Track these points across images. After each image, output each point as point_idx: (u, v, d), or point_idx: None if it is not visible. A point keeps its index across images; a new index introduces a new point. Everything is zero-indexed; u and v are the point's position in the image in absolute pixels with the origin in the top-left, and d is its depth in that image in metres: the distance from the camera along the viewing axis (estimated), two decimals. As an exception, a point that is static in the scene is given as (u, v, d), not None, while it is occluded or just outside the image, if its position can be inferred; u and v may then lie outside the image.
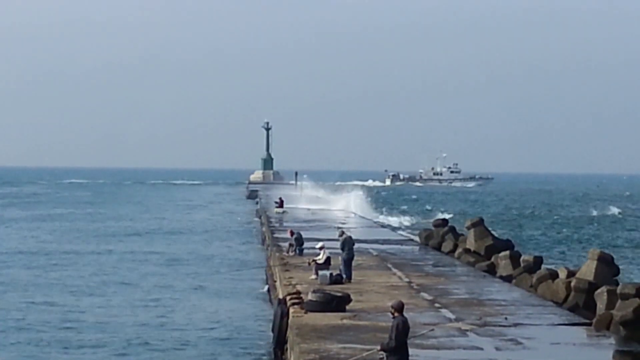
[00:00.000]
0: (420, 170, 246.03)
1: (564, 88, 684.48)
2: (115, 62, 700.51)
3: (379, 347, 19.03)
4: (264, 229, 69.20)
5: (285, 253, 44.23)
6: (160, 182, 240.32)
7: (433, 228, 57.12)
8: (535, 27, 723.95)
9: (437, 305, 29.56)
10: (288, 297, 29.28)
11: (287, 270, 37.83)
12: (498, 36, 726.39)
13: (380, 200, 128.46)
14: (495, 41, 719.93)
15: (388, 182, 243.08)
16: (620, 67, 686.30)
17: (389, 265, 40.50)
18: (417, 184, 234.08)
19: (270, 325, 27.99)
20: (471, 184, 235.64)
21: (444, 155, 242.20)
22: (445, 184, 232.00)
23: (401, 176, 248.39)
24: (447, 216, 79.01)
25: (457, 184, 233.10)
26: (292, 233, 45.78)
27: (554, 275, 35.16)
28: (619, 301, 27.21)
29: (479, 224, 48.93)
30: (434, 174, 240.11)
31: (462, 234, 52.74)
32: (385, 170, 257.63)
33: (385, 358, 18.75)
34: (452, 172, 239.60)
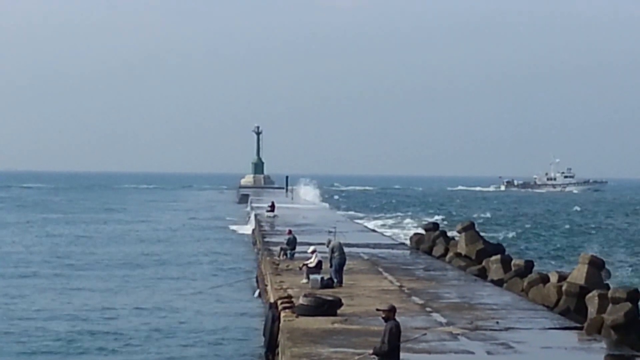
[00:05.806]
0: (535, 176, 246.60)
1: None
2: (104, 66, 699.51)
3: (371, 351, 19.04)
4: (255, 233, 69.17)
5: (276, 257, 44.19)
6: (153, 186, 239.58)
7: (424, 232, 57.20)
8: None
9: (428, 309, 29.54)
10: (279, 301, 29.25)
11: (278, 274, 37.80)
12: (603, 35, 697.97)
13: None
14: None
15: (502, 188, 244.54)
16: None
17: (380, 269, 40.49)
18: (533, 189, 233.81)
19: (262, 329, 27.97)
20: (583, 188, 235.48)
21: (557, 160, 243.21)
22: (559, 189, 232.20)
23: (515, 182, 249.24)
24: None
25: (571, 188, 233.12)
26: (290, 232, 45.88)
27: (545, 279, 35.20)
28: (610, 305, 27.26)
29: (470, 228, 48.97)
30: (548, 179, 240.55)
31: (453, 238, 52.78)
32: (500, 177, 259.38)
33: (377, 362, 18.76)
34: (565, 177, 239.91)
